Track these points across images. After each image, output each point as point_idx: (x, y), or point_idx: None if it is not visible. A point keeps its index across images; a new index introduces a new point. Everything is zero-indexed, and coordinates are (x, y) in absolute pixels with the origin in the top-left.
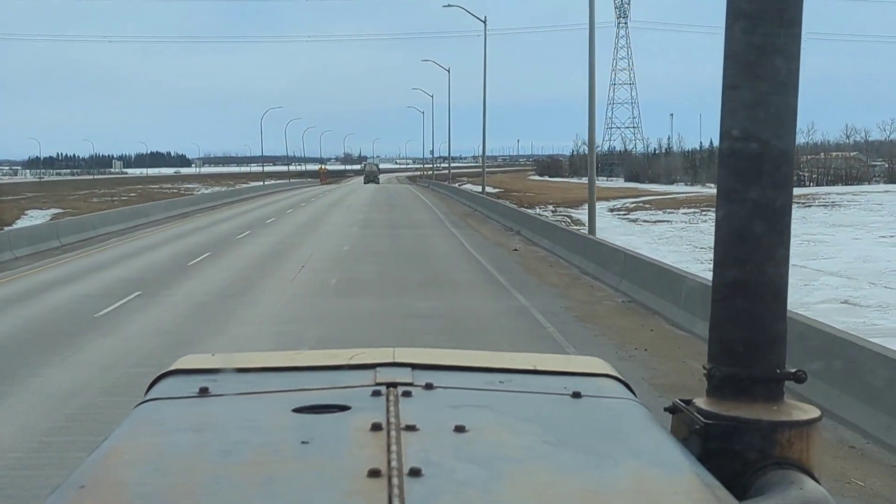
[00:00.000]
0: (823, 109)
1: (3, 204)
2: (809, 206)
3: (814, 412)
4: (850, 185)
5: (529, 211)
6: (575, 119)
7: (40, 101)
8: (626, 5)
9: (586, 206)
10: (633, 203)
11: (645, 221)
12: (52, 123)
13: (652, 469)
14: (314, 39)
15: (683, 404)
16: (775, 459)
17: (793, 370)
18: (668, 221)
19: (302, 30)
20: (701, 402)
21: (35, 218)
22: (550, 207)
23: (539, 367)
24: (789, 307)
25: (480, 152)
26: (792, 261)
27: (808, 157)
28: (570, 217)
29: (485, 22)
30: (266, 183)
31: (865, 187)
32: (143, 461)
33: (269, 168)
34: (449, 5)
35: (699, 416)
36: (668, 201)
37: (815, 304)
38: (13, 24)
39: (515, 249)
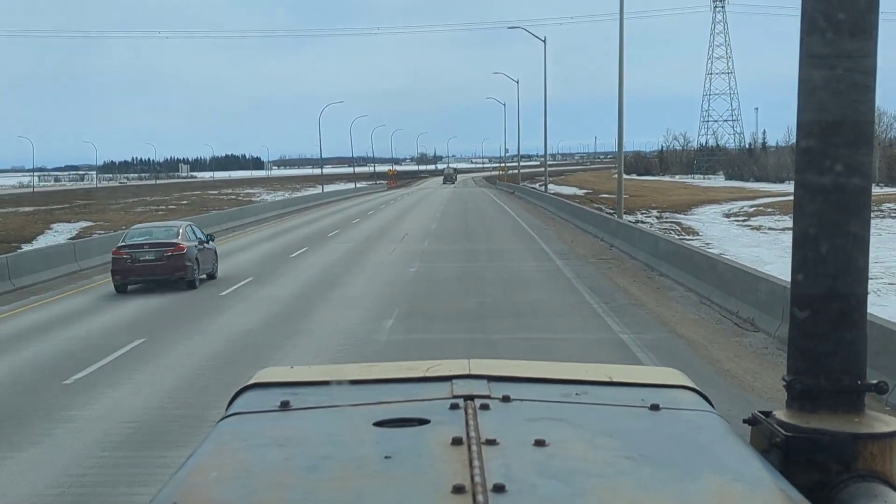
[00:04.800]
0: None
1: (35, 215)
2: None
3: None
4: None
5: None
6: (661, 113)
7: (98, 104)
8: None
9: (695, 211)
10: (750, 206)
11: (770, 229)
12: (113, 127)
13: (735, 484)
14: (383, 32)
15: (763, 416)
16: (858, 472)
17: (874, 381)
18: None
19: (379, 21)
20: (781, 414)
21: (60, 233)
22: (654, 212)
23: (615, 379)
24: None
25: (558, 150)
26: None
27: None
28: (679, 225)
29: (545, 42)
30: (325, 190)
31: None
32: (231, 477)
33: (337, 170)
34: (514, 27)
35: (779, 428)
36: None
37: None
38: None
39: None
